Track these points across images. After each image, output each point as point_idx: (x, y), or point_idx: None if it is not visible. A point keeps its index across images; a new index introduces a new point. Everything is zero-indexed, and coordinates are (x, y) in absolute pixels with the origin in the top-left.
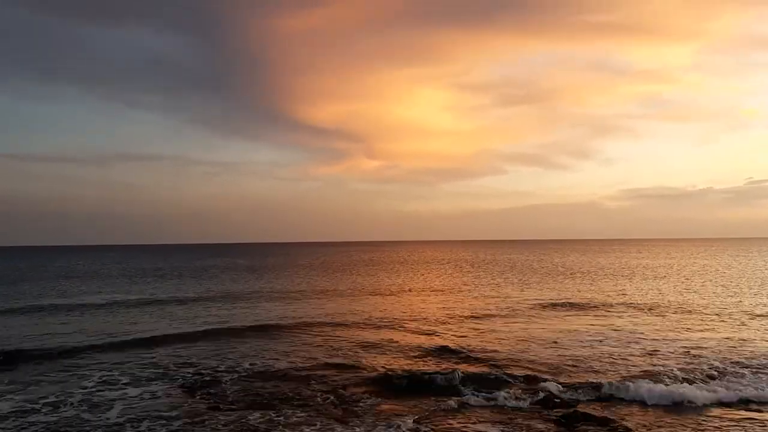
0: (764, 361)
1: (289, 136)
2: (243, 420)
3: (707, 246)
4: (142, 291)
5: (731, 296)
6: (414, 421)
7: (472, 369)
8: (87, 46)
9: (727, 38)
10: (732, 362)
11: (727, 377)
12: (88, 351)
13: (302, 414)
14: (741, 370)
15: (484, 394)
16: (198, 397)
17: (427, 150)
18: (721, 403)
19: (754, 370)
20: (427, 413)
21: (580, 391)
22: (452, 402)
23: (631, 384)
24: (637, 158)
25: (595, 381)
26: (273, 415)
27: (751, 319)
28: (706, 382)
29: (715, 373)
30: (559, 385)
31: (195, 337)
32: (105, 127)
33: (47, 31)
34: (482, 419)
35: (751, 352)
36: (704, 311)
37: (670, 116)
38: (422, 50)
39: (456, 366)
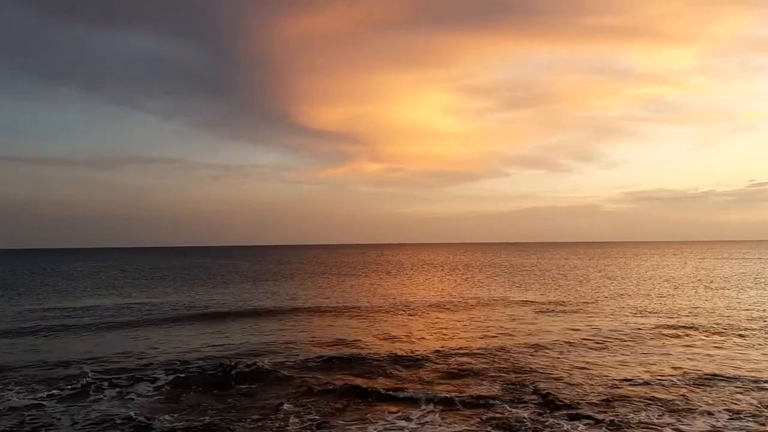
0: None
1: (292, 139)
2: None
3: (706, 248)
4: (139, 296)
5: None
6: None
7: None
8: (91, 49)
9: (730, 41)
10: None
11: None
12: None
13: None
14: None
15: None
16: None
17: (430, 153)
18: None
19: None
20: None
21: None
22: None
23: None
24: (639, 161)
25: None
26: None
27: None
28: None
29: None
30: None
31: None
32: (109, 130)
33: (51, 34)
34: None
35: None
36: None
37: (673, 119)
38: (425, 53)
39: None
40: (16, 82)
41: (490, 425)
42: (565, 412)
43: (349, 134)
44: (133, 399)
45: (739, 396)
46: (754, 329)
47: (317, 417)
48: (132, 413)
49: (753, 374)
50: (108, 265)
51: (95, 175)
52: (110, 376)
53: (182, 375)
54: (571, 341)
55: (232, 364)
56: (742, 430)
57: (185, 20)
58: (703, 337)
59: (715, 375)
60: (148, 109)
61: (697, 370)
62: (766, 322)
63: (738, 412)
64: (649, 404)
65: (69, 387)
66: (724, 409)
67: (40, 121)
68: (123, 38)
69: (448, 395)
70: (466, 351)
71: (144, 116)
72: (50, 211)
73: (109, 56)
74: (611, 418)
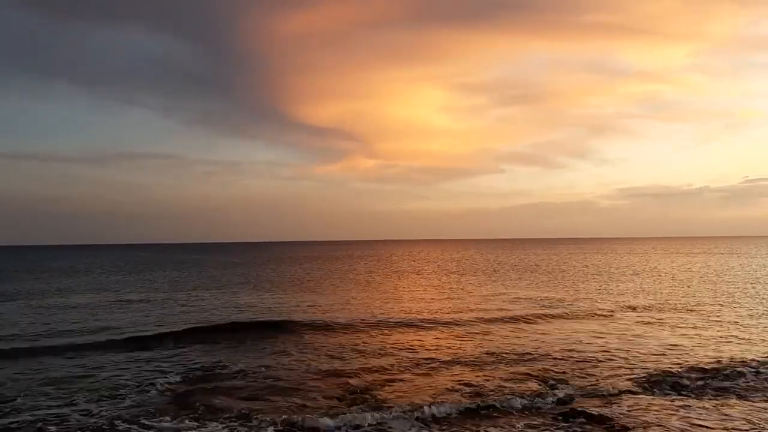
0: None
1: (288, 136)
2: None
3: (700, 244)
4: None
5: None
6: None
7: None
8: (87, 46)
9: (725, 40)
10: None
11: None
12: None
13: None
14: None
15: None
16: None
17: (426, 149)
18: None
19: None
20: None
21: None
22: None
23: None
24: (634, 158)
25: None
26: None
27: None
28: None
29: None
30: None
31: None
32: (105, 126)
33: (48, 31)
34: (479, 419)
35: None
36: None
37: (668, 116)
38: (421, 50)
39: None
40: (14, 79)
41: (485, 422)
42: (562, 406)
43: (345, 131)
44: None
45: (744, 391)
46: (756, 324)
47: None
48: None
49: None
50: (105, 261)
51: (92, 172)
52: None
53: None
54: (564, 337)
55: None
56: (743, 425)
57: (183, 18)
58: (701, 332)
59: (715, 370)
60: (145, 106)
61: (696, 365)
62: (760, 319)
63: (741, 408)
64: (647, 399)
65: None
66: (722, 405)
67: (37, 118)
68: (121, 36)
69: (435, 388)
70: (456, 346)
71: (141, 113)
72: (47, 208)
73: (107, 54)
74: (609, 413)
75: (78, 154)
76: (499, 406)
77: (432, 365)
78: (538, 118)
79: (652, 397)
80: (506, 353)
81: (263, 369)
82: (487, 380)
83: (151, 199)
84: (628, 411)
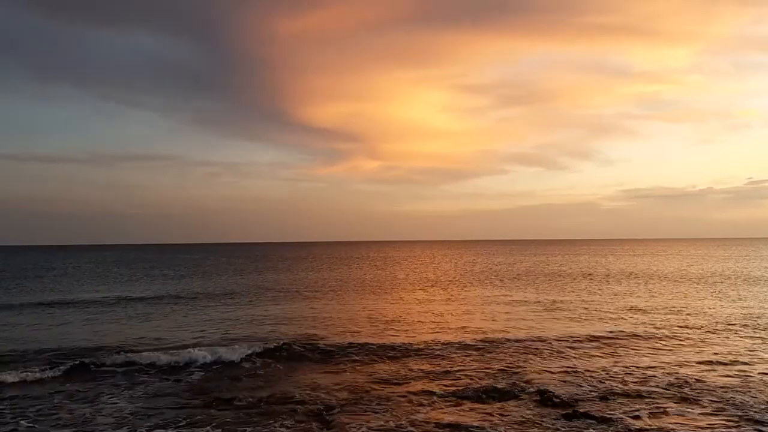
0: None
1: (289, 137)
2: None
3: (706, 246)
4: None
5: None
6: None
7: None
8: (87, 47)
9: (726, 40)
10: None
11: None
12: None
13: None
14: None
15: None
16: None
17: (428, 151)
18: None
19: None
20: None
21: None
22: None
23: None
24: (637, 159)
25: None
26: None
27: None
28: None
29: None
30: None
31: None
32: (105, 127)
33: (48, 32)
34: (480, 417)
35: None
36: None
37: (670, 117)
38: (422, 52)
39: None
40: (13, 79)
41: (488, 422)
42: (561, 410)
43: (346, 132)
44: None
45: (736, 392)
46: (743, 326)
47: None
48: None
49: (746, 369)
50: (106, 262)
51: (92, 173)
52: None
53: None
54: (565, 340)
55: None
56: (738, 426)
57: (183, 18)
58: (695, 336)
59: (709, 372)
60: (145, 107)
61: (690, 367)
62: (754, 320)
63: (737, 409)
64: (648, 401)
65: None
66: (720, 406)
67: (37, 118)
68: (121, 36)
69: (442, 392)
70: (459, 349)
71: (141, 114)
72: (47, 209)
73: (107, 54)
74: (608, 415)
75: (78, 155)
76: (501, 406)
77: (423, 362)
78: (540, 118)
79: (652, 401)
80: (508, 357)
81: (258, 394)
82: (488, 380)
83: (151, 200)
84: (628, 414)
